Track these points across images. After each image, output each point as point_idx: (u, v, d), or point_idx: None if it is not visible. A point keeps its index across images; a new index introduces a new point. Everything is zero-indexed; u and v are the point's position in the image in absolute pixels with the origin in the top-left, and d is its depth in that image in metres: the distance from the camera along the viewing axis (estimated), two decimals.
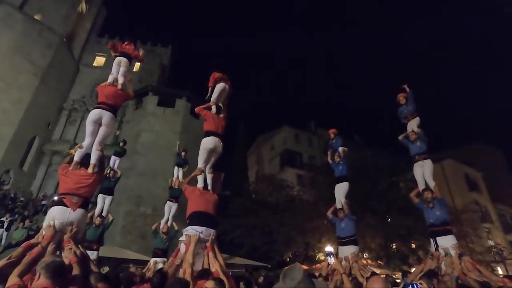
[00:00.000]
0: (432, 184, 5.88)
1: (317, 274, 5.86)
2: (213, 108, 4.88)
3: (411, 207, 11.11)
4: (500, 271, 19.93)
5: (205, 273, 3.10)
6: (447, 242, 5.09)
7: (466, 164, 28.63)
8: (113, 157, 9.28)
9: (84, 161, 3.69)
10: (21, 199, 17.90)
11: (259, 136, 36.15)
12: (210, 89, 5.22)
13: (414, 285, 3.19)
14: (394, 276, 9.25)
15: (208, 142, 4.70)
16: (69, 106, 26.38)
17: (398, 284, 4.65)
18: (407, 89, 6.80)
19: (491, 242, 23.62)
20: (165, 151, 20.07)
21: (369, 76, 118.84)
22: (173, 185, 9.60)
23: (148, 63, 30.17)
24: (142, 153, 20.07)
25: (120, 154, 9.43)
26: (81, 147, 3.80)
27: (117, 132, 9.80)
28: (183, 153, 10.21)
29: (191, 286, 2.73)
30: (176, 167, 10.10)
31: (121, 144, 9.64)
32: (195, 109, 5.17)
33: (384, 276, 5.08)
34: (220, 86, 5.04)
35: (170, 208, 9.30)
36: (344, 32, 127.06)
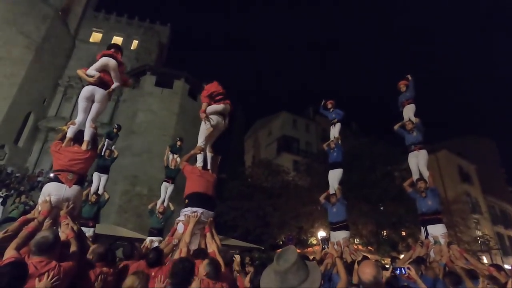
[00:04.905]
0: (426, 174, 5.92)
1: (310, 258, 5.99)
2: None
3: (404, 196, 11.30)
4: (485, 260, 20.63)
5: (200, 253, 3.15)
6: (437, 230, 5.21)
7: (460, 156, 28.95)
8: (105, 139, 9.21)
9: (77, 137, 3.64)
10: (17, 175, 17.89)
11: (257, 120, 36.03)
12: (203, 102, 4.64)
13: (402, 269, 3.28)
14: (383, 262, 9.54)
15: (213, 108, 4.54)
16: (65, 82, 25.84)
17: (387, 269, 4.79)
18: (410, 78, 6.75)
19: (479, 233, 24.29)
20: (162, 131, 19.97)
21: (368, 64, 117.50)
22: (169, 165, 9.56)
23: (146, 41, 29.45)
24: (139, 133, 19.93)
25: (112, 138, 9.32)
26: (73, 123, 3.74)
27: (115, 130, 9.52)
28: (178, 143, 10.11)
29: None
30: (171, 153, 9.98)
31: (114, 130, 9.48)
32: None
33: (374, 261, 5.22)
34: (218, 107, 4.55)
35: (167, 188, 9.33)
36: (345, 19, 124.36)
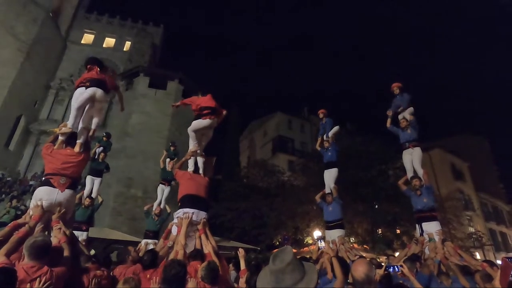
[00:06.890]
0: (420, 171, 5.94)
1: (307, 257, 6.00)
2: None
3: (399, 194, 11.37)
4: (478, 256, 20.91)
5: (197, 254, 3.12)
6: (431, 228, 5.26)
7: (453, 154, 29.32)
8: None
9: (69, 140, 3.55)
10: (8, 179, 17.60)
11: (252, 121, 36.03)
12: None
13: (396, 267, 3.30)
14: (378, 260, 9.59)
15: (197, 124, 4.65)
16: (57, 84, 25.52)
17: (381, 266, 4.83)
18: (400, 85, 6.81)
19: (471, 229, 24.62)
20: (156, 133, 19.86)
21: (362, 64, 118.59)
22: (166, 167, 9.49)
23: (139, 42, 29.23)
24: (133, 135, 19.78)
25: (105, 147, 9.16)
26: (65, 126, 3.66)
27: (104, 138, 9.38)
28: (172, 148, 10.05)
29: None
30: (168, 159, 9.89)
31: (104, 138, 9.24)
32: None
33: (368, 259, 5.25)
34: (204, 122, 4.58)
35: (163, 190, 9.25)
36: (342, 20, 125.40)
